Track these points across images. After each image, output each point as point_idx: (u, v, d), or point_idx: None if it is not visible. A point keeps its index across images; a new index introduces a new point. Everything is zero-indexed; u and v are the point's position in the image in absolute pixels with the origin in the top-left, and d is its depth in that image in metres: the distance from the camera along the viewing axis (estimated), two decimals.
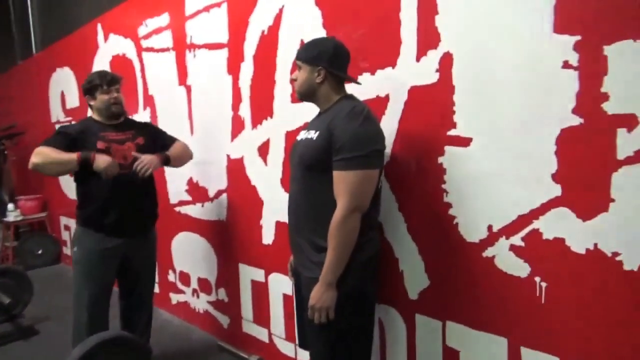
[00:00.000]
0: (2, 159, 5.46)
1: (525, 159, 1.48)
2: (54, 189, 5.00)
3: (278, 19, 2.26)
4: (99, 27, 3.80)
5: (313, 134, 1.62)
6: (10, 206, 5.15)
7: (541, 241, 1.47)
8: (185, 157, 2.53)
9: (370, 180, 1.53)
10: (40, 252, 5.13)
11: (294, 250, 1.73)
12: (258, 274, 2.59)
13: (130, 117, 2.50)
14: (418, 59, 1.72)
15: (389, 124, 1.84)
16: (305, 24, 2.12)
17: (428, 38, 1.69)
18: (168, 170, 3.23)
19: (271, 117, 2.37)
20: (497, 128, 1.54)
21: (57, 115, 4.69)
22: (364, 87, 1.91)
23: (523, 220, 1.51)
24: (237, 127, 2.59)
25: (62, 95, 4.55)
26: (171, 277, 3.37)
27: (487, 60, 1.54)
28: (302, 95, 1.71)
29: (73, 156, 2.09)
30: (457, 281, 1.70)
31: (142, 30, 3.27)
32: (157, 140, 2.45)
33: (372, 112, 1.61)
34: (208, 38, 2.71)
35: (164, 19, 3.04)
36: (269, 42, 2.32)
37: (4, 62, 6.03)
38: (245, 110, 2.53)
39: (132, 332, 2.51)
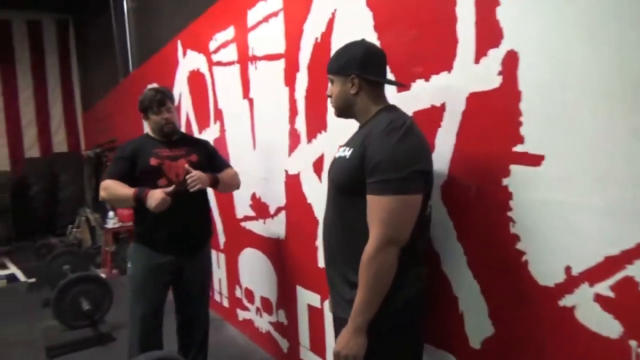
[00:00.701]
0: (104, 170, 5.91)
1: (615, 184, 1.13)
2: None
3: (330, 24, 2.08)
4: (179, 43, 3.91)
5: (347, 152, 1.41)
6: (111, 214, 5.54)
7: (637, 293, 1.11)
8: (233, 185, 2.50)
9: (410, 208, 1.28)
10: None
11: (329, 284, 1.52)
12: (314, 299, 2.40)
13: (187, 134, 2.49)
14: (477, 60, 1.43)
15: (446, 138, 1.56)
16: (356, 28, 1.91)
17: (488, 34, 1.39)
18: None
19: (325, 130, 2.19)
20: (577, 143, 1.20)
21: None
22: (417, 96, 1.65)
23: (612, 263, 1.15)
24: (294, 141, 2.45)
25: None
26: (238, 292, 3.31)
27: (562, 59, 1.22)
28: (340, 110, 1.51)
29: (130, 193, 2.10)
30: (527, 332, 1.37)
31: (212, 45, 3.28)
32: (210, 161, 2.41)
33: (415, 126, 1.36)
34: (267, 49, 2.61)
35: (229, 33, 3.00)
36: (322, 49, 2.14)
37: (109, 83, 6.56)
38: (301, 124, 2.37)
39: (188, 349, 2.47)
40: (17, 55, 8.83)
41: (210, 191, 3.49)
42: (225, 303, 3.52)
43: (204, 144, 2.50)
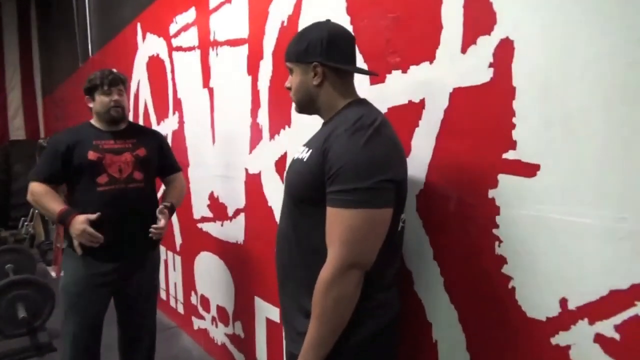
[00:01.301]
0: None
1: (625, 202, 0.93)
2: None
3: (298, 6, 1.84)
4: (139, 26, 3.59)
5: (305, 154, 1.18)
6: None
7: None
8: (182, 197, 2.28)
9: (376, 224, 1.05)
10: None
11: (281, 314, 1.29)
12: (273, 313, 2.16)
13: (137, 123, 2.21)
14: (464, 50, 1.21)
15: (424, 140, 1.34)
16: (327, 11, 1.68)
17: (479, 19, 1.18)
18: (193, 181, 2.91)
19: (289, 126, 1.95)
20: (580, 151, 1.00)
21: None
22: (393, 90, 1.43)
23: (619, 299, 0.95)
24: (256, 137, 2.20)
25: None
26: (193, 299, 3.04)
27: (565, 50, 1.01)
28: (300, 105, 1.28)
29: (55, 211, 1.86)
30: None
31: (172, 28, 2.99)
32: (161, 157, 2.14)
33: (387, 125, 1.14)
34: (230, 33, 2.35)
35: (191, 15, 2.73)
36: (288, 34, 1.90)
37: (71, 67, 6.15)
38: (263, 118, 2.13)
39: None
40: None
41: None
42: (181, 309, 3.25)
43: (156, 136, 2.21)
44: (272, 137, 2.07)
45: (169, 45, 3.06)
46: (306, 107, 1.27)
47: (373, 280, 1.11)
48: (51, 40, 7.91)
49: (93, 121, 2.04)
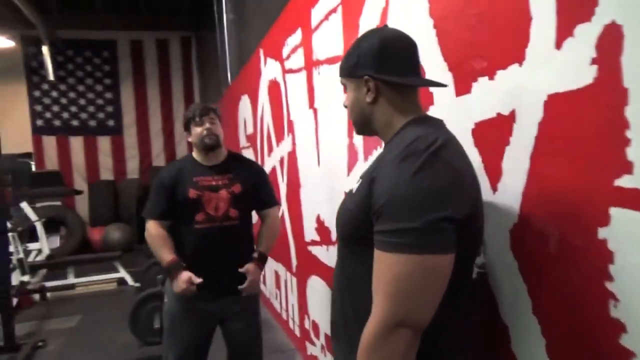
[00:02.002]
0: None
1: None
2: None
3: (384, 14, 1.67)
4: (261, 52, 3.74)
5: (356, 185, 1.01)
6: None
7: None
8: (275, 238, 2.23)
9: (431, 274, 0.84)
10: None
11: None
12: None
13: (237, 153, 2.26)
14: (559, 44, 0.93)
15: (516, 161, 1.07)
16: (411, 15, 1.49)
17: (575, 3, 0.89)
18: (304, 203, 2.88)
19: (381, 145, 1.77)
20: None
21: (243, 141, 4.90)
22: (479, 101, 1.19)
23: None
24: (352, 158, 2.06)
25: (245, 122, 4.71)
26: (307, 323, 2.99)
27: None
28: (357, 125, 1.13)
29: (165, 259, 1.96)
30: None
31: (285, 51, 3.03)
32: (257, 192, 2.13)
33: (451, 147, 0.92)
34: (328, 51, 2.26)
35: (298, 36, 2.72)
36: None
37: (217, 96, 6.75)
38: (358, 137, 1.99)
39: None
40: (148, 71, 9.65)
41: (285, 208, 3.24)
42: (297, 332, 3.23)
43: (253, 168, 2.22)
44: (366, 158, 1.92)
45: (283, 67, 3.11)
46: (364, 128, 1.11)
47: (435, 341, 0.89)
48: (206, 72, 8.80)
49: (194, 154, 2.13)
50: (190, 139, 2.10)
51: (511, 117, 1.08)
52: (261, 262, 2.09)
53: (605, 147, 0.84)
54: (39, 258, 5.97)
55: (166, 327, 2.05)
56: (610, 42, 0.82)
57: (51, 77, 8.28)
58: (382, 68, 1.00)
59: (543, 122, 0.99)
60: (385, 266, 0.86)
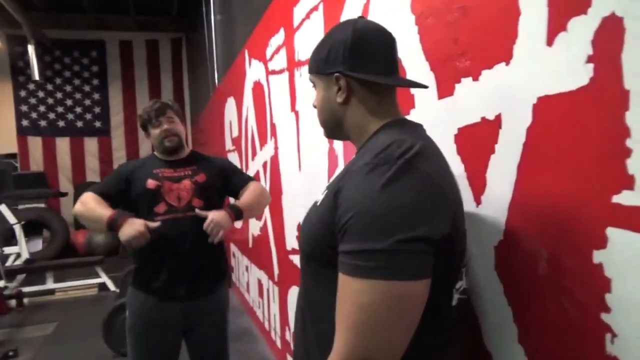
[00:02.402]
0: None
1: None
2: None
3: (366, 11, 1.56)
4: (246, 53, 3.63)
5: (321, 196, 0.90)
6: None
7: None
8: (261, 203, 2.00)
9: (400, 302, 0.72)
10: None
11: None
12: None
13: (199, 152, 2.09)
14: (550, 40, 0.82)
15: (502, 171, 0.96)
16: (392, 11, 1.38)
17: None
18: (285, 210, 2.76)
19: None
20: None
21: (228, 144, 4.78)
22: (462, 104, 1.08)
23: None
24: (332, 163, 1.95)
25: (230, 124, 4.59)
26: (287, 335, 2.86)
27: None
28: (326, 128, 1.01)
29: (104, 216, 1.72)
30: None
31: (268, 51, 2.92)
32: (226, 180, 1.97)
33: (429, 155, 0.80)
34: (309, 51, 2.15)
35: (281, 36, 2.61)
36: None
37: (206, 98, 6.62)
38: (338, 143, 1.87)
39: None
40: (137, 72, 9.50)
41: (267, 215, 3.12)
42: (279, 343, 3.10)
43: (218, 161, 2.06)
44: (346, 163, 1.80)
45: (266, 69, 2.99)
46: (334, 131, 0.99)
47: None
48: (196, 73, 8.68)
49: (156, 152, 1.98)
50: (149, 140, 1.96)
51: (497, 122, 0.97)
52: (232, 210, 1.84)
53: (603, 158, 0.73)
54: (17, 262, 5.79)
55: (129, 345, 1.88)
56: (609, 37, 0.71)
57: (37, 77, 8.10)
58: (355, 65, 0.89)
59: (532, 128, 0.88)
60: (349, 293, 0.74)
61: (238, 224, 1.78)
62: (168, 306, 1.83)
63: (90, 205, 1.77)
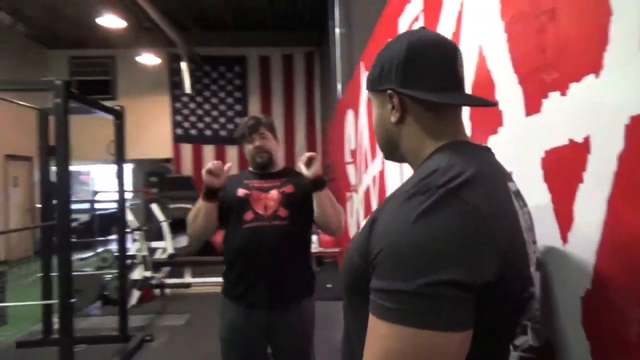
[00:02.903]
0: None
1: None
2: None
3: (459, 19, 1.44)
4: (362, 65, 3.62)
5: (364, 222, 0.83)
6: (314, 238, 5.62)
7: None
8: (336, 208, 1.96)
9: (430, 355, 0.62)
10: (329, 285, 5.36)
11: None
12: None
13: (292, 167, 2.14)
14: None
15: (591, 204, 0.80)
16: (484, 19, 1.24)
17: None
18: None
19: None
20: None
21: (347, 157, 4.81)
22: (549, 123, 0.93)
23: None
24: None
25: (349, 137, 4.62)
26: None
27: None
28: (383, 149, 0.94)
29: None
30: None
31: None
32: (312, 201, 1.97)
33: (483, 185, 0.70)
34: None
35: None
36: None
37: (332, 109, 6.79)
38: None
39: None
40: (273, 85, 10.16)
41: None
42: None
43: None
44: None
45: None
46: (391, 153, 0.91)
47: None
48: (325, 86, 8.96)
49: (250, 167, 2.06)
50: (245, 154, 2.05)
51: (585, 146, 0.81)
52: (321, 175, 1.94)
53: None
54: (163, 256, 6.52)
55: (221, 352, 1.97)
56: None
57: (188, 90, 9.09)
58: (408, 81, 0.80)
59: (624, 154, 0.71)
60: (376, 336, 0.67)
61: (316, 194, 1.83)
62: (252, 314, 1.87)
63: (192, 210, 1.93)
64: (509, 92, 1.08)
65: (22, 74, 8.98)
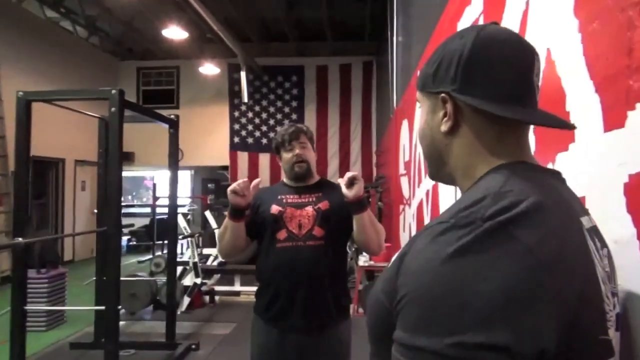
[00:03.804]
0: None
1: None
2: (396, 241, 4.95)
3: (525, 17, 1.26)
4: (418, 74, 3.44)
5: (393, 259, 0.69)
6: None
7: None
8: (377, 228, 1.80)
9: None
10: None
11: None
12: None
13: (327, 179, 2.02)
14: None
15: None
16: (553, 18, 1.07)
17: None
18: None
19: None
20: None
21: (401, 168, 4.63)
22: (634, 141, 0.75)
23: None
24: None
25: (404, 147, 4.45)
26: None
27: None
28: (428, 163, 0.78)
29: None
30: None
31: None
32: (350, 216, 1.82)
33: (541, 220, 0.54)
34: None
35: None
36: None
37: (387, 120, 6.61)
38: None
39: None
40: (330, 95, 10.11)
41: None
42: None
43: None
44: None
45: None
46: (436, 169, 0.75)
47: None
48: (382, 96, 8.79)
49: (284, 178, 1.97)
50: (281, 164, 1.94)
51: None
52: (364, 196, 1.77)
53: None
54: (214, 263, 6.57)
55: None
56: None
57: (245, 99, 9.23)
58: (470, 85, 0.65)
59: None
60: None
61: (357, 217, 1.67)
62: (286, 338, 1.77)
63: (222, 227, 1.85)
64: (583, 103, 0.90)
65: (96, 84, 9.48)
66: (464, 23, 1.96)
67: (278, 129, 8.04)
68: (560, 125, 0.70)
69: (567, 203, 0.60)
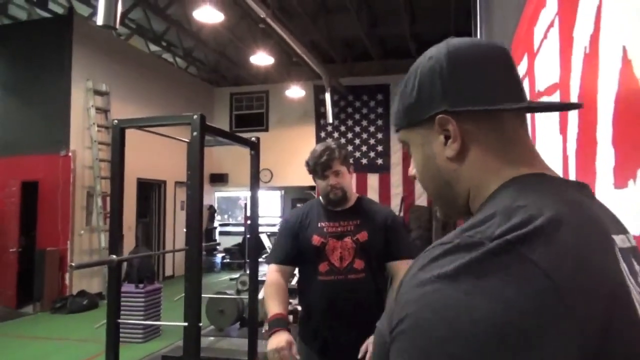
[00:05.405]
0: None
1: None
2: None
3: (598, 16, 1.11)
4: None
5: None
6: None
7: None
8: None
9: None
10: None
11: None
12: None
13: (367, 198, 2.01)
14: None
15: None
16: (629, 13, 0.92)
17: None
18: None
19: None
20: None
21: None
22: None
23: None
24: None
25: None
26: None
27: None
28: (436, 202, 0.69)
29: (270, 312, 1.72)
30: None
31: None
32: (387, 243, 1.83)
33: (556, 237, 0.46)
34: (546, 78, 1.71)
35: (524, 65, 2.19)
36: (590, 68, 1.17)
37: None
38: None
39: None
40: None
41: None
42: None
43: (383, 215, 1.91)
44: None
45: None
46: (449, 207, 0.67)
47: None
48: None
49: (321, 198, 1.96)
50: (316, 185, 1.96)
51: None
52: None
53: None
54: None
55: None
56: None
57: (330, 119, 9.33)
58: (461, 95, 0.58)
59: None
60: None
61: None
62: None
63: (268, 294, 1.79)
64: None
65: (193, 109, 10.16)
66: (540, 27, 1.80)
67: (364, 148, 8.02)
68: (567, 107, 0.60)
69: (594, 219, 0.51)
